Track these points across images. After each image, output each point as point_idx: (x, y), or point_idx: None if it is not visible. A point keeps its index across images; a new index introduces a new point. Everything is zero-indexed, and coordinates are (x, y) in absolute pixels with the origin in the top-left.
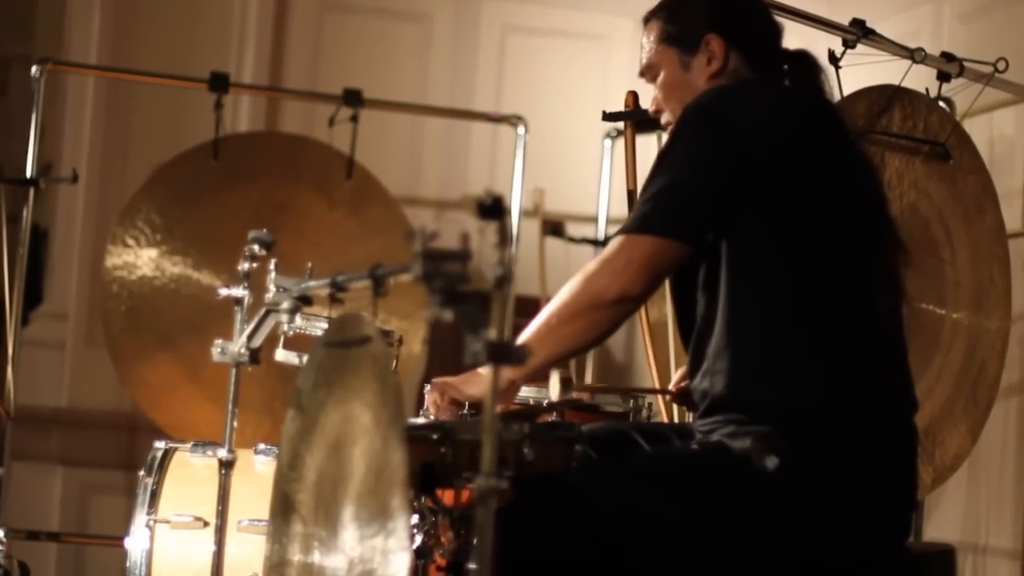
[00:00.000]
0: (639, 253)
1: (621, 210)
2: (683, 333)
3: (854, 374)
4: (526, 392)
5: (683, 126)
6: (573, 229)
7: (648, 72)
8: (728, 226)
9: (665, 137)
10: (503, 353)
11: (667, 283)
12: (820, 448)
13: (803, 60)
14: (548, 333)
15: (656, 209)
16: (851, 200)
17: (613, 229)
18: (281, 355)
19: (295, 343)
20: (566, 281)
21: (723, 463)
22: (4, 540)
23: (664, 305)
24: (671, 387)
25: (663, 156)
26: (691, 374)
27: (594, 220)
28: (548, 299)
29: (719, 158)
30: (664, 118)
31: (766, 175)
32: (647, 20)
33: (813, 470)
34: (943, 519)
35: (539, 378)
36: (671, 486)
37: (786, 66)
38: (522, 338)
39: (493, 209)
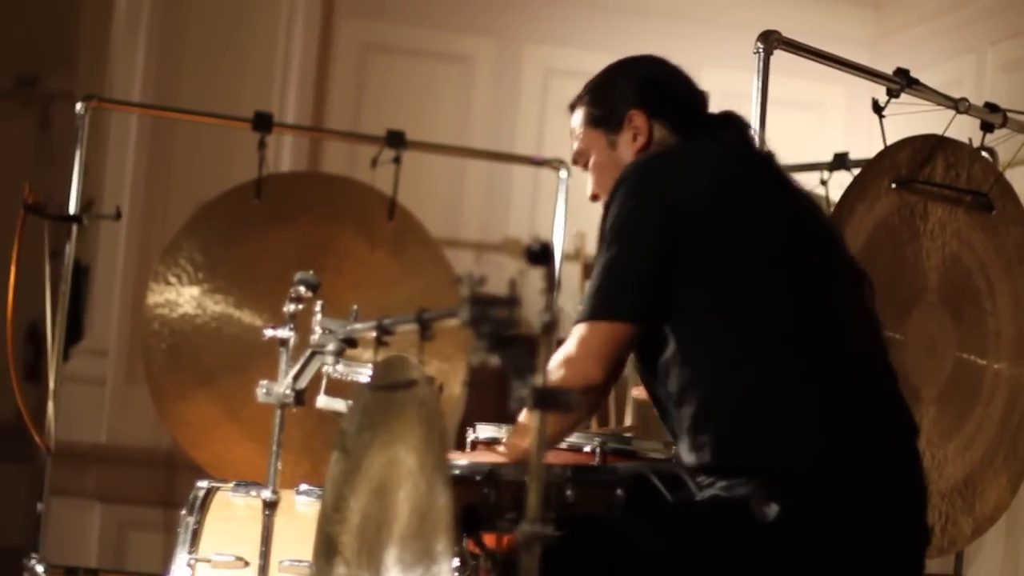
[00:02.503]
0: (595, 342)
1: None
2: (659, 409)
3: (837, 417)
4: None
5: (611, 199)
6: None
7: (580, 158)
8: (674, 296)
9: None
10: (549, 399)
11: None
12: (815, 494)
13: (729, 120)
14: (527, 431)
15: (600, 293)
16: (801, 238)
17: None
18: (322, 402)
19: (336, 389)
20: None
21: (724, 513)
22: (42, 575)
23: None
24: None
25: (601, 234)
26: (677, 445)
27: None
28: None
29: (649, 220)
30: (601, 201)
31: (700, 227)
32: (573, 107)
33: (812, 515)
34: (982, 570)
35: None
36: (692, 532)
37: (714, 128)
38: (509, 438)
39: (541, 255)
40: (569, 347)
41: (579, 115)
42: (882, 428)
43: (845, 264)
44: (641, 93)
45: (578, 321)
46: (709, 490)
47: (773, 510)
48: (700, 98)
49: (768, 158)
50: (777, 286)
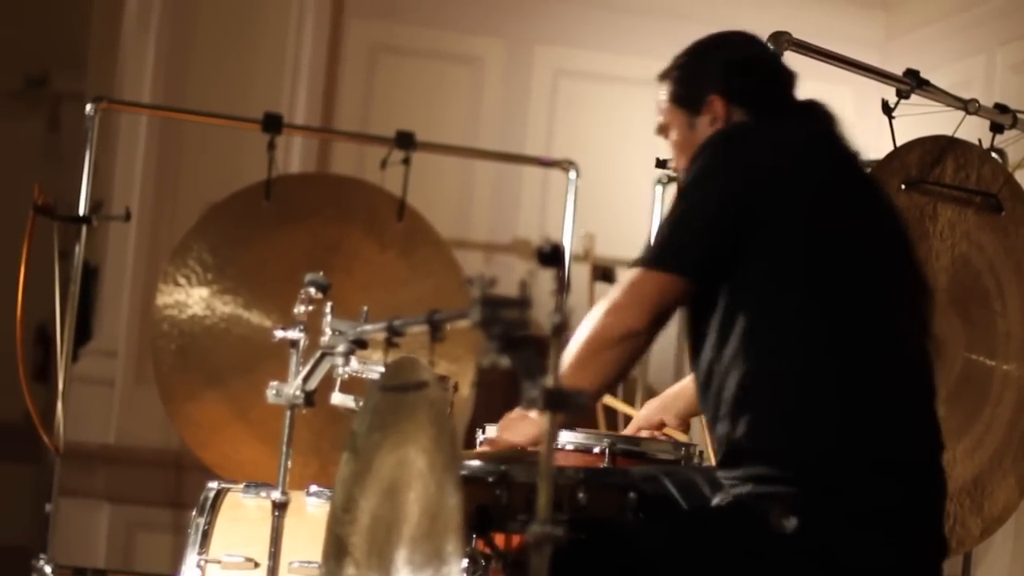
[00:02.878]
0: (643, 288)
1: None
2: (697, 377)
3: (876, 421)
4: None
5: (695, 161)
6: (623, 275)
7: (662, 131)
8: (742, 265)
9: None
10: (560, 400)
11: (685, 326)
12: (840, 495)
13: (813, 109)
14: (570, 376)
15: (662, 244)
16: (873, 240)
17: None
18: (337, 399)
19: (350, 387)
20: None
21: (739, 520)
22: None
23: None
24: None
25: (681, 188)
26: (708, 417)
27: None
28: None
29: (725, 186)
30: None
31: (775, 207)
32: (661, 78)
33: (833, 517)
34: (991, 571)
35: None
36: (705, 538)
37: (798, 115)
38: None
39: (551, 256)
40: (616, 293)
41: (664, 89)
42: (915, 443)
43: (912, 274)
44: (724, 77)
45: (634, 267)
46: (726, 492)
47: (792, 523)
48: (786, 82)
49: (854, 155)
50: (836, 286)
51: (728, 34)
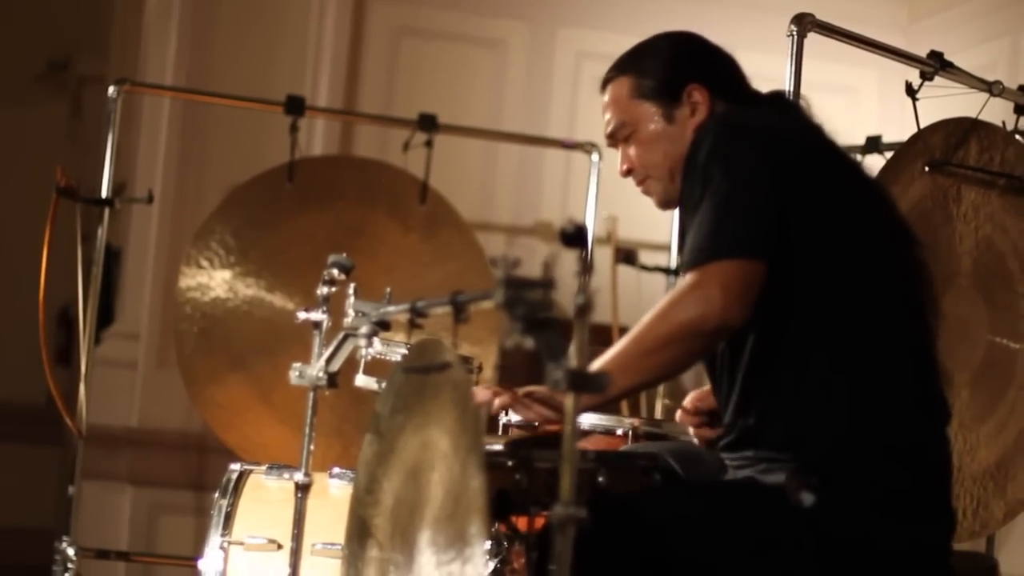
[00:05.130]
0: (732, 278)
1: None
2: (709, 362)
3: (886, 406)
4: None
5: (717, 144)
6: (646, 257)
7: (620, 131)
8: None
9: None
10: (584, 382)
11: None
12: (849, 480)
13: (782, 100)
14: (631, 362)
15: (731, 230)
16: (877, 223)
17: None
18: (361, 380)
19: (375, 368)
20: (638, 309)
21: (755, 497)
22: (74, 558)
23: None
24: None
25: (705, 179)
26: (721, 404)
27: (667, 248)
28: (620, 327)
29: (764, 168)
30: (638, 176)
31: (804, 188)
32: (609, 80)
33: (842, 501)
34: (1014, 552)
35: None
36: (711, 515)
37: (772, 106)
38: (600, 366)
39: (575, 237)
40: (698, 283)
41: (621, 87)
42: (925, 427)
43: (919, 253)
44: (699, 67)
45: (699, 263)
46: (740, 472)
47: (809, 498)
48: (742, 74)
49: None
50: (864, 266)
51: (679, 32)
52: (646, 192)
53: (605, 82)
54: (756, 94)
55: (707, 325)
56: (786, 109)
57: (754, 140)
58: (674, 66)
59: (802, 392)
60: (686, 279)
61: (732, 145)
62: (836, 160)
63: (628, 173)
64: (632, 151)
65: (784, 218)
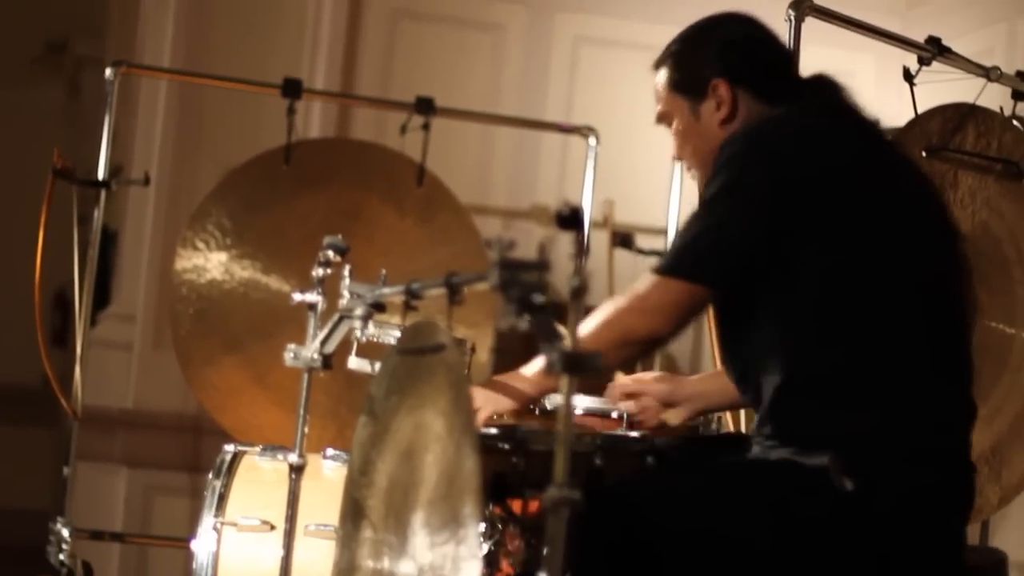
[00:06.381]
0: (670, 297)
1: None
2: (729, 360)
3: (915, 407)
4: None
5: (726, 160)
6: (642, 241)
7: (663, 119)
8: (783, 257)
9: None
10: (578, 364)
11: (715, 318)
12: (875, 478)
13: (821, 83)
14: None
15: (691, 251)
16: (914, 229)
17: None
18: (354, 363)
19: (368, 351)
20: None
21: (791, 476)
22: (68, 539)
23: None
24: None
25: (707, 191)
26: (750, 402)
27: (663, 233)
28: None
29: (759, 193)
30: (684, 164)
31: (819, 204)
32: (657, 66)
33: (867, 498)
34: (1008, 537)
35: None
36: (742, 490)
37: (807, 94)
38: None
39: (571, 219)
40: (643, 294)
41: (662, 76)
42: (946, 425)
43: (951, 251)
44: (724, 60)
45: (661, 272)
46: (772, 453)
47: (849, 483)
48: (786, 59)
49: (875, 125)
50: (878, 272)
51: (722, 15)
52: (695, 178)
53: (655, 67)
54: (792, 85)
55: (637, 336)
56: (823, 103)
57: (760, 159)
58: (698, 60)
59: (831, 394)
60: (644, 281)
61: (743, 162)
62: (856, 172)
63: (679, 158)
64: (673, 140)
65: (784, 236)
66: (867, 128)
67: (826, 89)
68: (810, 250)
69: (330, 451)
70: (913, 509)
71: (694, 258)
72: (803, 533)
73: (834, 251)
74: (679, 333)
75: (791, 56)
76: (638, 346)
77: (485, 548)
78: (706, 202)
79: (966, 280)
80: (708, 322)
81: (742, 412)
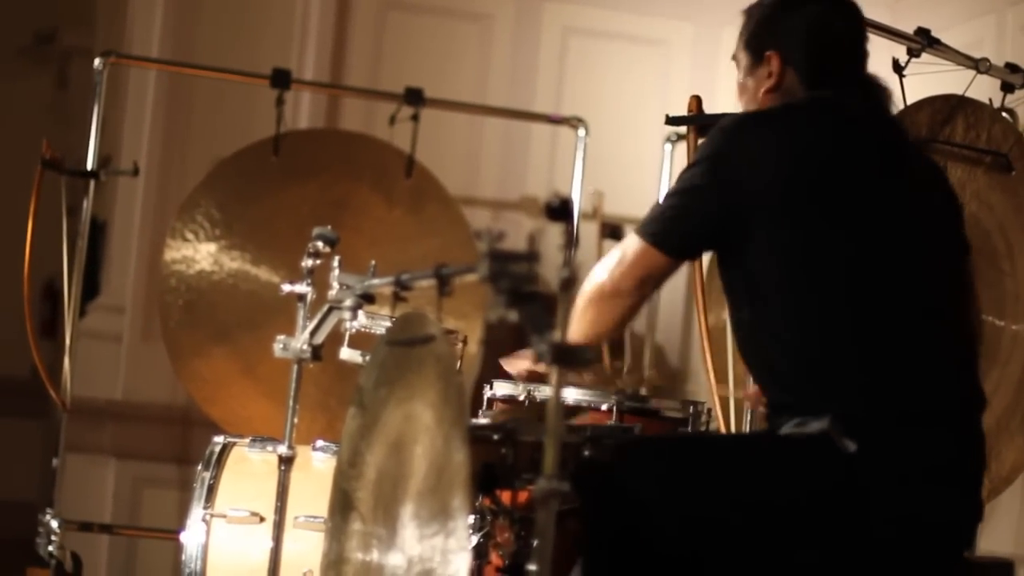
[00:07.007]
0: (632, 253)
1: None
2: (736, 334)
3: (912, 373)
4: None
5: (703, 145)
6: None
7: (733, 59)
8: (758, 236)
9: None
10: (568, 355)
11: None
12: (879, 445)
13: (863, 82)
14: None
15: (656, 217)
16: (906, 216)
17: None
18: (346, 354)
19: (359, 342)
20: None
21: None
22: (57, 531)
23: (722, 311)
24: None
25: (693, 157)
26: (752, 371)
27: None
28: None
29: (710, 192)
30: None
31: (768, 213)
32: (747, 12)
33: (872, 465)
34: (996, 531)
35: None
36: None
37: (850, 88)
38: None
39: (560, 210)
40: (615, 252)
41: (743, 26)
42: (953, 395)
43: (956, 240)
44: (787, 38)
45: (639, 233)
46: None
47: (851, 445)
48: (848, 52)
49: (893, 132)
50: (860, 261)
51: None
52: None
53: (744, 12)
54: (837, 77)
55: (606, 289)
56: (858, 99)
57: (712, 176)
58: (770, 28)
59: (828, 363)
60: (624, 240)
61: (703, 158)
62: (850, 180)
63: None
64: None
65: (733, 226)
66: (875, 128)
67: (862, 87)
68: (794, 232)
69: (320, 443)
70: (914, 473)
71: (658, 223)
72: (811, 502)
73: (811, 228)
74: (643, 292)
75: (859, 50)
76: (608, 300)
77: (474, 540)
78: (682, 173)
79: (966, 265)
80: (698, 314)
81: (733, 413)
